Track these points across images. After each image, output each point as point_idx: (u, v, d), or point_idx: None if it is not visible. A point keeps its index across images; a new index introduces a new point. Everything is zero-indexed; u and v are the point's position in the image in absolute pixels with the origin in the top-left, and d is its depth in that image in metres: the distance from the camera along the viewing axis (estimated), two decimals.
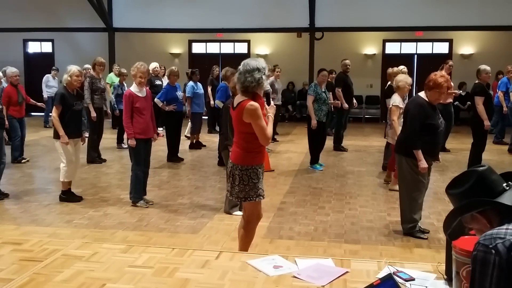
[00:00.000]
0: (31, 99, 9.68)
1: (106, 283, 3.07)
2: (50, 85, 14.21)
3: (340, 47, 15.51)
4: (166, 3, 15.90)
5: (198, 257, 3.45)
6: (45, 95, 13.97)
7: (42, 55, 17.71)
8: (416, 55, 16.29)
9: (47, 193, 6.94)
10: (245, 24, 15.43)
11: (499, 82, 11.67)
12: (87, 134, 8.60)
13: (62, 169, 6.46)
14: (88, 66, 10.79)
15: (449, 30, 15.03)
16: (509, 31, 14.56)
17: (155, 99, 8.64)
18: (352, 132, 12.95)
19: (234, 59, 13.63)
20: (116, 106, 10.56)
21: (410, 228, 5.18)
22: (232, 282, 3.06)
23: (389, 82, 8.94)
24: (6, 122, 7.45)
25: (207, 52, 17.32)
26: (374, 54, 16.31)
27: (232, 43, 17.13)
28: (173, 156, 9.28)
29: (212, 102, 11.73)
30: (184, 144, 10.44)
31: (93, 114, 8.94)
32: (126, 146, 9.07)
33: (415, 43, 16.26)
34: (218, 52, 17.19)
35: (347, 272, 3.17)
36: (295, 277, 3.10)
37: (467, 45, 15.83)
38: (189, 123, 11.01)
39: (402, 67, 8.95)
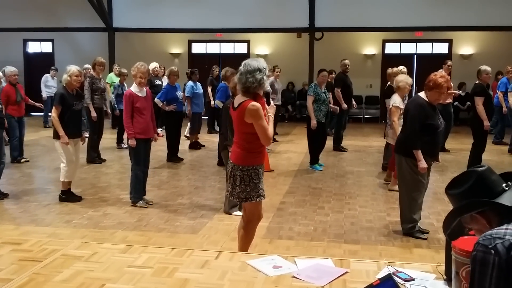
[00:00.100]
0: (29, 99, 9.65)
1: (105, 283, 3.07)
2: (49, 85, 14.20)
3: (340, 47, 15.51)
4: (166, 3, 15.90)
5: (197, 257, 3.45)
6: (44, 95, 13.97)
7: (42, 55, 17.71)
8: (415, 55, 16.30)
9: (47, 193, 6.94)
10: (245, 24, 15.43)
11: (499, 82, 11.66)
12: (87, 134, 8.61)
13: (62, 169, 6.46)
14: (88, 66, 10.79)
15: (448, 30, 15.04)
16: (509, 31, 14.56)
17: (155, 99, 8.64)
18: (351, 132, 12.95)
19: (234, 59, 13.64)
20: (116, 106, 10.55)
21: (410, 228, 5.18)
22: (232, 282, 3.06)
23: (388, 83, 8.94)
24: (5, 122, 7.43)
25: (207, 52, 17.32)
26: (374, 54, 16.32)
27: (232, 43, 17.13)
28: (173, 156, 9.28)
29: (212, 102, 11.73)
30: (184, 144, 10.43)
31: (93, 114, 8.93)
32: (125, 146, 9.07)
33: (415, 43, 16.26)
34: (218, 52, 17.19)
35: (346, 272, 3.17)
36: (295, 277, 3.10)
37: (466, 45, 15.84)
38: (189, 123, 11.01)
39: (402, 67, 8.95)
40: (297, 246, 4.94)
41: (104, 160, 9.17)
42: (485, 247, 1.82)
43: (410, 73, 8.54)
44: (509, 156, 10.18)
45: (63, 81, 6.52)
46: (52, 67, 14.73)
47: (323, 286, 2.99)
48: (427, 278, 3.02)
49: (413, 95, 7.57)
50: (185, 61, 16.82)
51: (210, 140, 11.65)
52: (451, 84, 7.79)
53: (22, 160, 9.01)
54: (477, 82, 7.96)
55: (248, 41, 16.85)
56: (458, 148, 10.63)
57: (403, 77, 7.18)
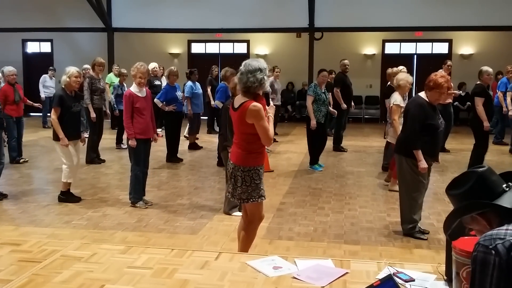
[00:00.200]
0: (27, 100, 9.59)
1: (105, 284, 3.06)
2: (47, 85, 14.19)
3: (340, 47, 15.51)
4: (166, 3, 15.89)
5: (197, 258, 3.45)
6: (42, 95, 13.96)
7: (41, 55, 17.70)
8: (415, 55, 16.30)
9: (46, 194, 6.93)
10: (244, 24, 15.43)
11: (499, 82, 11.66)
12: (86, 135, 8.60)
13: (64, 170, 6.44)
14: (87, 66, 10.78)
15: (448, 30, 15.04)
16: (509, 31, 14.57)
17: (155, 100, 8.63)
18: (351, 132, 12.95)
19: (233, 59, 13.65)
20: (116, 106, 10.54)
21: (410, 228, 5.18)
22: (232, 283, 3.06)
23: (388, 83, 8.94)
24: (4, 122, 7.42)
25: (207, 52, 17.32)
26: (374, 54, 16.32)
27: (232, 43, 17.13)
28: (173, 157, 9.27)
29: (212, 102, 11.72)
30: (184, 144, 10.43)
31: (93, 114, 8.92)
32: (125, 146, 9.06)
33: (415, 43, 16.27)
34: (218, 52, 17.19)
35: (346, 273, 3.16)
36: (295, 278, 3.10)
37: (466, 45, 15.84)
38: (188, 123, 10.99)
39: (402, 67, 8.95)
40: (297, 247, 4.93)
41: (104, 161, 9.16)
42: (486, 247, 1.82)
43: (410, 73, 8.53)
44: (509, 156, 10.17)
45: (62, 83, 6.49)
46: (50, 67, 14.72)
47: (323, 286, 2.98)
48: (428, 278, 3.02)
49: (413, 95, 7.57)
50: (184, 61, 16.83)
51: (210, 140, 11.65)
52: (451, 84, 7.79)
53: (21, 161, 9.00)
54: (478, 82, 7.95)
55: (247, 41, 16.85)
56: (458, 148, 10.63)
57: (403, 75, 7.17)
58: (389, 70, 9.25)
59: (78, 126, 6.61)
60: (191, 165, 9.06)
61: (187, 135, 11.19)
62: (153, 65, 11.29)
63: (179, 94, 9.41)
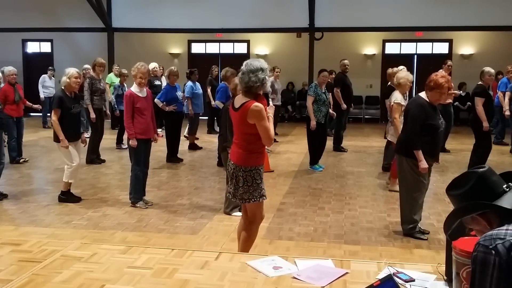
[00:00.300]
0: (27, 102, 9.50)
1: (105, 284, 3.06)
2: (46, 85, 14.18)
3: (340, 47, 15.51)
4: (166, 3, 15.89)
5: (197, 258, 3.44)
6: (41, 95, 13.95)
7: (41, 55, 17.70)
8: (416, 55, 16.30)
9: (46, 194, 6.93)
10: (244, 24, 15.43)
11: (499, 82, 11.66)
12: (86, 135, 8.60)
13: (66, 170, 6.44)
14: (88, 66, 10.78)
15: (449, 30, 15.04)
16: (509, 31, 14.56)
17: (155, 100, 8.63)
18: (351, 132, 12.94)
19: (233, 59, 13.67)
20: (116, 106, 10.53)
21: (410, 228, 5.17)
22: (232, 283, 3.06)
23: (389, 83, 8.93)
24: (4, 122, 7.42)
25: (207, 52, 17.32)
26: (374, 54, 16.32)
27: (232, 43, 17.13)
28: (173, 157, 9.27)
29: (212, 102, 11.72)
30: (184, 144, 10.43)
31: (93, 115, 8.92)
32: (125, 146, 9.07)
33: (415, 43, 16.27)
34: (218, 52, 17.19)
35: (347, 273, 3.16)
36: (295, 278, 3.09)
37: (467, 45, 15.84)
38: (188, 124, 10.99)
39: (402, 67, 8.94)
40: (297, 247, 4.93)
41: (104, 161, 9.16)
42: (486, 247, 1.82)
43: (411, 74, 8.58)
44: (509, 157, 10.17)
45: (62, 84, 6.48)
46: (50, 67, 14.71)
47: (323, 286, 2.98)
48: (428, 278, 3.02)
49: (414, 94, 7.56)
50: (184, 61, 16.82)
51: (210, 140, 11.64)
52: (452, 84, 7.79)
53: (21, 161, 9.00)
54: (479, 82, 7.95)
55: (247, 41, 16.85)
56: (458, 149, 10.62)
57: (403, 74, 7.16)
58: (390, 70, 9.25)
59: (78, 127, 6.61)
60: (191, 165, 9.06)
61: (186, 135, 11.18)
62: (153, 65, 11.29)
63: (179, 94, 9.41)
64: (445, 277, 2.98)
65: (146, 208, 6.25)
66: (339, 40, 15.89)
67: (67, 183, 6.50)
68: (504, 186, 2.02)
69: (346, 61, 10.81)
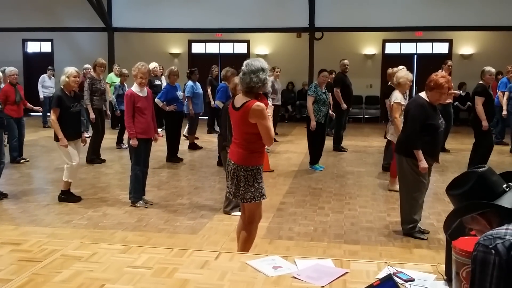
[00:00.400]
0: (28, 103, 9.46)
1: (105, 284, 3.06)
2: (46, 85, 14.17)
3: (340, 47, 15.51)
4: (166, 3, 15.89)
5: (197, 258, 3.44)
6: (41, 95, 13.94)
7: (41, 55, 17.70)
8: (416, 55, 16.30)
9: (46, 193, 6.93)
10: (244, 24, 15.43)
11: (499, 82, 11.66)
12: (87, 135, 8.60)
13: (66, 169, 6.44)
14: (88, 66, 10.77)
15: (449, 30, 15.04)
16: (509, 31, 14.56)
17: (156, 99, 8.63)
18: (351, 132, 12.94)
19: (233, 59, 13.67)
20: (117, 106, 10.53)
21: (410, 228, 5.18)
22: (232, 282, 3.05)
23: (389, 83, 8.93)
24: (5, 121, 7.41)
25: (207, 52, 17.32)
26: (374, 54, 16.32)
27: (232, 43, 17.13)
28: (173, 156, 9.27)
29: (212, 102, 11.72)
30: (184, 144, 10.43)
31: (92, 115, 8.92)
32: (125, 146, 9.06)
33: (415, 43, 16.26)
34: (218, 52, 17.18)
35: (346, 272, 3.16)
36: (295, 277, 3.09)
37: (466, 45, 15.84)
38: (187, 123, 10.98)
39: (402, 67, 8.93)
40: (297, 247, 4.93)
41: (104, 160, 9.16)
42: (486, 247, 1.82)
43: (411, 73, 8.58)
44: (509, 156, 10.17)
45: (61, 83, 6.48)
46: (49, 67, 14.69)
47: (323, 286, 2.98)
48: (427, 278, 3.02)
49: (414, 94, 7.55)
50: (184, 61, 16.82)
51: (210, 140, 11.64)
52: (452, 84, 7.80)
53: (22, 161, 9.00)
54: (480, 82, 7.94)
55: (248, 41, 16.85)
56: (458, 148, 10.62)
57: (403, 73, 7.15)
58: (390, 70, 9.25)
59: (78, 126, 6.60)
60: (191, 165, 9.06)
61: (186, 135, 11.17)
62: (153, 65, 11.29)
63: (179, 94, 9.41)
64: (445, 277, 2.98)
65: (146, 207, 6.25)
66: (339, 40, 15.89)
67: (67, 183, 6.50)
68: (504, 185, 2.02)
69: (346, 61, 10.81)
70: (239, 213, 5.15)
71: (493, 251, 1.79)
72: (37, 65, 16.90)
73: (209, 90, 12.36)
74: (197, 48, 17.34)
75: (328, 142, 9.66)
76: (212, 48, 17.25)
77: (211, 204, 6.42)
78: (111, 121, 12.70)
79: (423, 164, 4.90)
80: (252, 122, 3.82)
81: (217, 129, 10.08)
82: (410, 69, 12.33)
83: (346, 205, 6.47)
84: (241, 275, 3.15)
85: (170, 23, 15.75)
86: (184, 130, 11.30)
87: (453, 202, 2.11)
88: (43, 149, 10.48)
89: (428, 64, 14.74)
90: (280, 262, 3.31)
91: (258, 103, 3.80)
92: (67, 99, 6.39)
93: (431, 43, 16.18)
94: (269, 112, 4.00)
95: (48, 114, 6.72)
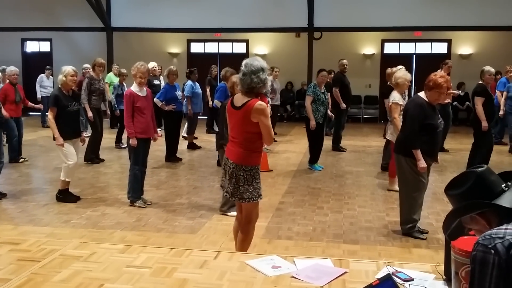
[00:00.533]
0: (29, 102, 9.48)
1: (104, 283, 3.06)
2: (44, 85, 14.15)
3: (339, 47, 15.51)
4: (165, 2, 15.89)
5: (196, 257, 3.44)
6: (39, 95, 13.91)
7: (40, 55, 17.68)
8: (414, 55, 16.31)
9: (45, 193, 6.92)
10: (243, 24, 15.43)
11: (498, 82, 11.67)
12: (86, 134, 8.59)
13: (64, 168, 6.43)
14: (87, 65, 10.76)
15: (447, 30, 15.06)
16: (508, 31, 14.58)
17: (154, 99, 8.62)
18: (350, 132, 12.95)
19: (232, 59, 13.67)
20: (116, 106, 10.51)
21: (409, 228, 5.18)
22: (231, 282, 3.05)
23: (388, 82, 8.93)
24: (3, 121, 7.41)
25: (206, 51, 17.31)
26: (373, 54, 16.32)
27: (231, 43, 17.12)
28: (172, 156, 9.27)
29: (210, 102, 11.72)
30: (183, 144, 10.42)
31: (89, 114, 8.90)
32: (124, 145, 9.04)
33: (414, 43, 16.27)
34: (217, 51, 17.18)
35: (345, 272, 3.16)
36: (294, 277, 3.09)
37: (465, 45, 15.85)
38: (186, 123, 10.97)
39: (401, 67, 8.93)
40: (296, 246, 4.93)
41: (103, 160, 9.15)
42: (485, 247, 1.82)
43: (409, 73, 8.58)
44: (508, 156, 10.18)
45: (58, 82, 6.47)
46: (47, 67, 14.68)
47: (322, 286, 2.98)
48: (427, 278, 3.02)
49: (413, 94, 7.55)
50: (183, 61, 16.81)
51: (209, 140, 11.63)
52: (451, 84, 7.80)
53: (21, 160, 8.99)
54: (480, 82, 7.94)
55: (246, 41, 16.85)
56: (457, 148, 10.63)
57: (401, 73, 7.16)
58: (389, 70, 9.25)
59: (77, 125, 6.56)
60: (190, 165, 9.06)
61: (185, 135, 11.15)
62: (152, 65, 11.27)
63: (178, 93, 9.40)
64: (444, 277, 2.99)
65: (145, 207, 6.25)
66: (338, 40, 15.89)
67: (64, 182, 6.48)
68: (503, 185, 2.02)
69: (345, 61, 10.81)
70: (235, 213, 5.13)
71: (493, 251, 1.79)
72: (36, 64, 16.87)
73: (208, 90, 12.36)
74: (196, 48, 17.33)
75: (327, 142, 9.66)
76: (211, 48, 17.25)
77: (210, 204, 6.41)
78: (110, 121, 12.69)
79: (422, 164, 4.91)
80: (254, 121, 3.82)
81: (216, 128, 10.07)
82: (409, 69, 12.36)
83: (345, 205, 6.47)
84: (240, 274, 3.15)
85: (169, 23, 15.75)
86: (183, 131, 11.29)
87: (452, 202, 2.11)
88: (42, 149, 10.47)
89: (427, 64, 14.75)
90: (279, 262, 3.32)
91: (260, 102, 3.82)
92: (65, 98, 6.38)
93: (430, 43, 16.19)
94: (268, 111, 4.00)
95: (47, 113, 6.70)
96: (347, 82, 10.76)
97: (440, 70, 9.13)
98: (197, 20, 15.61)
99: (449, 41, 15.93)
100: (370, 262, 3.49)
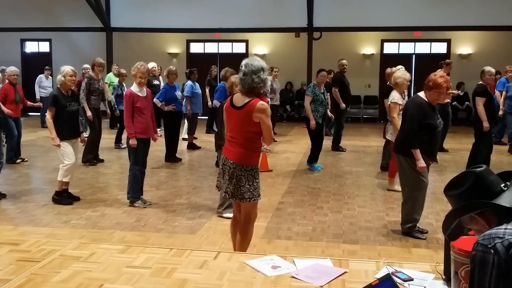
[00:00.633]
0: (28, 102, 9.47)
1: (104, 284, 3.06)
2: (43, 85, 14.13)
3: (338, 47, 15.51)
4: (164, 2, 15.89)
5: (196, 258, 3.44)
6: (38, 95, 13.89)
7: (40, 55, 17.67)
8: (414, 55, 16.31)
9: (45, 193, 6.91)
10: (243, 24, 15.43)
11: (497, 82, 11.67)
12: (86, 135, 8.58)
13: (61, 168, 6.40)
14: (87, 66, 10.75)
15: (447, 30, 15.07)
16: (507, 31, 14.59)
17: (154, 99, 8.61)
18: (350, 132, 12.95)
19: (232, 59, 13.67)
20: (116, 106, 10.50)
21: (409, 227, 5.18)
22: (230, 282, 3.05)
23: (388, 82, 8.93)
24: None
25: (205, 52, 17.31)
26: (372, 54, 16.33)
27: (230, 43, 17.12)
28: (171, 156, 9.26)
29: (210, 103, 11.72)
30: (182, 144, 10.42)
31: (88, 113, 8.89)
32: (124, 146, 9.03)
33: (413, 43, 16.27)
34: (216, 52, 17.17)
35: (345, 272, 3.16)
36: (294, 277, 3.09)
37: (465, 45, 15.86)
38: (186, 123, 10.96)
39: (400, 67, 8.93)
40: (296, 246, 4.93)
41: (102, 161, 9.14)
42: (485, 246, 1.82)
43: (408, 73, 8.58)
44: (508, 156, 10.19)
45: (57, 82, 6.47)
46: (46, 67, 14.66)
47: (322, 286, 2.98)
48: (426, 278, 3.02)
49: (412, 94, 7.54)
50: (183, 61, 16.81)
51: (209, 140, 11.62)
52: (450, 84, 7.80)
53: (18, 161, 8.94)
54: (480, 82, 7.93)
55: (246, 41, 16.85)
56: (456, 148, 10.64)
57: (400, 73, 7.17)
58: (388, 70, 9.24)
59: (76, 125, 6.53)
60: (190, 165, 9.05)
61: (185, 136, 11.12)
62: (151, 65, 11.27)
63: (178, 94, 9.40)
64: (444, 276, 2.99)
65: (145, 207, 6.24)
66: (337, 40, 15.90)
67: (61, 182, 6.42)
68: (502, 185, 2.02)
69: (344, 61, 10.81)
70: (231, 215, 5.08)
71: (492, 251, 1.79)
72: (35, 65, 16.85)
73: (207, 90, 12.35)
74: (196, 48, 17.33)
75: (327, 142, 9.65)
76: (211, 48, 17.24)
77: (209, 204, 6.41)
78: (110, 121, 12.69)
79: (421, 163, 4.91)
80: (256, 121, 3.83)
81: (216, 129, 10.06)
82: (408, 69, 12.36)
83: (345, 204, 6.47)
84: (240, 275, 3.16)
85: (169, 23, 15.75)
86: (183, 133, 11.26)
87: (451, 203, 2.11)
88: (41, 149, 10.46)
89: (426, 64, 14.75)
90: (279, 262, 3.32)
91: (262, 102, 3.84)
92: (64, 98, 6.36)
93: (429, 43, 16.19)
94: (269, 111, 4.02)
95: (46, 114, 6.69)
96: (346, 82, 10.76)
97: (440, 70, 9.13)
98: (196, 20, 15.60)
99: (448, 41, 15.94)
100: (369, 262, 3.49)
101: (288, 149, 10.80)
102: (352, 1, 15.04)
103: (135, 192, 6.31)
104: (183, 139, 11.06)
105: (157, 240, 5.06)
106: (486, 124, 7.64)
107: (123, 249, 3.63)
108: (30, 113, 15.25)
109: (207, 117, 12.95)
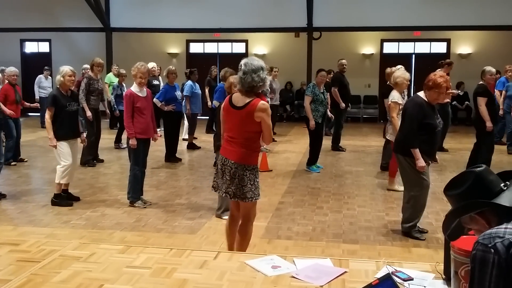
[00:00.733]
0: (25, 103, 9.40)
1: (104, 284, 3.06)
2: (43, 86, 14.11)
3: (338, 47, 15.51)
4: (164, 3, 15.88)
5: (196, 258, 3.44)
6: (37, 96, 13.88)
7: (39, 55, 17.67)
8: (414, 55, 16.31)
9: (44, 194, 6.91)
10: (243, 24, 15.43)
11: (497, 81, 11.67)
12: (85, 135, 8.56)
13: (58, 170, 6.34)
14: (87, 66, 10.74)
15: (447, 30, 15.06)
16: (507, 31, 14.59)
17: (154, 99, 8.60)
18: (350, 132, 12.95)
19: (232, 59, 13.64)
20: (116, 106, 10.50)
21: (409, 227, 5.18)
22: (231, 282, 3.05)
23: (388, 82, 8.93)
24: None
25: (205, 52, 17.31)
26: (372, 54, 16.33)
27: (230, 43, 17.12)
28: (171, 156, 9.26)
29: (209, 103, 11.71)
30: (182, 144, 10.42)
31: (88, 113, 8.88)
32: (124, 146, 9.02)
33: (413, 43, 16.28)
34: (216, 52, 17.17)
35: (345, 272, 3.16)
36: (294, 277, 3.09)
37: (464, 45, 15.86)
38: (185, 123, 10.96)
39: (400, 67, 8.93)
40: (296, 246, 4.93)
41: (102, 161, 9.13)
42: (485, 246, 1.82)
43: (408, 73, 8.59)
44: (507, 156, 10.19)
45: (56, 82, 6.45)
46: (46, 67, 14.65)
47: (322, 286, 2.98)
48: (426, 277, 3.02)
49: (412, 93, 7.54)
50: (183, 61, 16.81)
51: (208, 140, 11.61)
52: (450, 84, 7.79)
53: (13, 163, 8.80)
54: (481, 82, 7.92)
55: (246, 41, 16.85)
56: (456, 148, 10.64)
57: (400, 73, 7.17)
58: (388, 70, 9.25)
59: (75, 125, 6.50)
60: (190, 165, 9.05)
61: (185, 137, 11.10)
62: (151, 65, 11.26)
63: (178, 94, 9.40)
64: (444, 276, 2.99)
65: (145, 207, 6.24)
66: (337, 40, 15.90)
67: (59, 185, 6.35)
68: (502, 184, 2.02)
69: (344, 60, 10.82)
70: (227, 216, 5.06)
71: (492, 250, 1.79)
72: (35, 65, 16.84)
73: (207, 91, 12.35)
74: (195, 48, 17.33)
75: (327, 142, 9.64)
76: (210, 48, 17.24)
77: (209, 204, 6.41)
78: (110, 121, 12.68)
79: (420, 163, 4.91)
80: (257, 120, 3.85)
81: (215, 129, 10.05)
82: (408, 68, 12.36)
83: (345, 204, 6.47)
84: (240, 274, 3.15)
85: (168, 23, 15.75)
86: (183, 134, 11.25)
87: (451, 203, 2.11)
88: (41, 150, 10.46)
89: (426, 64, 14.75)
90: (279, 262, 3.32)
91: (263, 101, 3.87)
92: (63, 98, 6.34)
93: (429, 43, 16.19)
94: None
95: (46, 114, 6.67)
96: (346, 82, 10.76)
97: (439, 69, 9.13)
98: (196, 20, 15.60)
99: (448, 41, 15.94)
100: (369, 261, 3.49)
101: (288, 149, 10.80)
102: (352, 1, 15.04)
103: (135, 192, 6.31)
104: (183, 139, 11.06)
105: (157, 240, 5.06)
106: (489, 124, 7.60)
107: (123, 249, 3.63)
108: (30, 114, 15.25)
109: (207, 117, 12.95)
